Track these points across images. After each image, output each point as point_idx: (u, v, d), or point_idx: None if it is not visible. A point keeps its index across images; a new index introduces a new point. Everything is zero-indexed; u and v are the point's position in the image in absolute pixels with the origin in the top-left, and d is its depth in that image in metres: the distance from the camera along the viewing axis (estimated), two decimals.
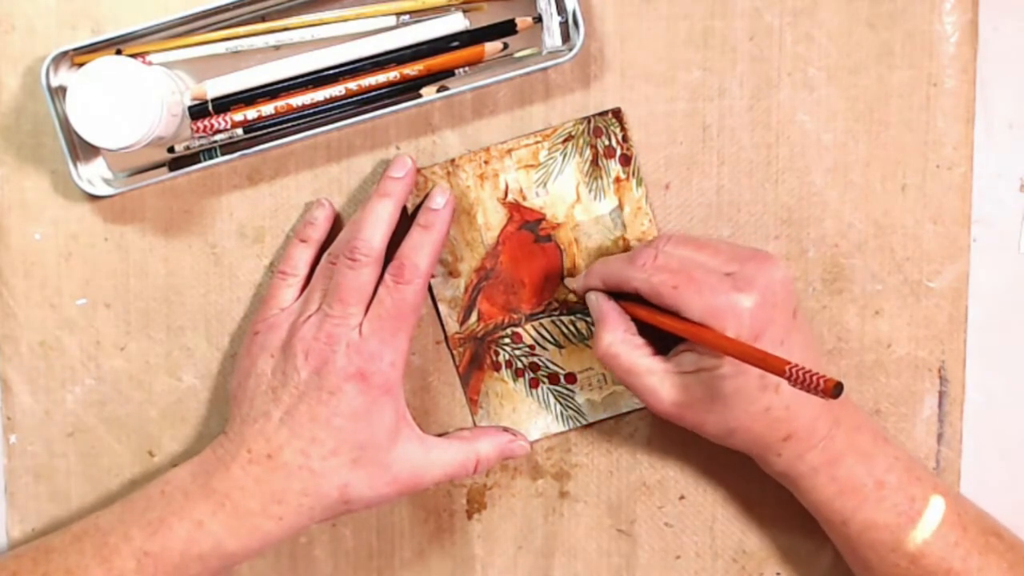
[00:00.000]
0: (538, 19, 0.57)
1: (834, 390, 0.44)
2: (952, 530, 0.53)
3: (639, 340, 0.54)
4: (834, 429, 0.53)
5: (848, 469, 0.53)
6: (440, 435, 0.58)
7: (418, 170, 0.58)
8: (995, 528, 0.55)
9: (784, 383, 0.49)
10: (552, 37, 0.57)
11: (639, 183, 0.58)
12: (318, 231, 0.57)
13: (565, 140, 0.58)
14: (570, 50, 0.56)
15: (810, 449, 0.53)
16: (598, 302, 0.55)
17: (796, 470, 0.53)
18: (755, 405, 0.51)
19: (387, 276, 0.54)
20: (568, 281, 0.59)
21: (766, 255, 0.52)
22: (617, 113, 0.58)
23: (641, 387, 0.53)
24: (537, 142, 0.58)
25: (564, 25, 0.57)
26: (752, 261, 0.52)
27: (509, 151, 0.58)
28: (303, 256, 0.57)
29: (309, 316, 0.54)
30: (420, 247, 0.55)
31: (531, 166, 0.58)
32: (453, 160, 0.58)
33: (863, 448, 0.53)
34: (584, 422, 0.59)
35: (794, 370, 0.45)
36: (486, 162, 0.58)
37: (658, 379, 0.53)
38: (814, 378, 0.45)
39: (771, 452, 0.53)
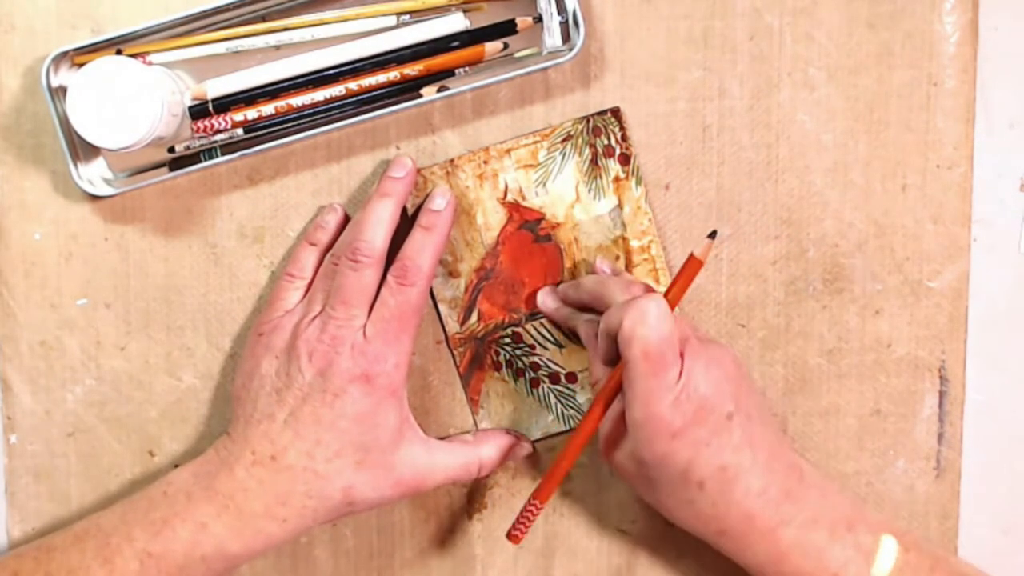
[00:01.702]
0: (538, 19, 0.57)
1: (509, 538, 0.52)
2: None
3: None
4: (780, 529, 0.51)
5: (796, 567, 0.51)
6: (443, 438, 0.58)
7: (418, 170, 0.58)
8: None
9: (708, 480, 0.50)
10: (552, 37, 0.57)
11: (638, 182, 0.58)
12: (327, 235, 0.57)
13: (564, 140, 0.58)
14: (570, 50, 0.56)
15: (748, 548, 0.52)
16: (587, 330, 0.55)
17: (742, 562, 0.52)
18: (678, 497, 0.51)
19: (390, 278, 0.54)
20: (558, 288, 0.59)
21: (714, 353, 0.51)
22: (616, 112, 0.58)
23: (607, 431, 0.53)
24: (536, 142, 0.58)
25: (564, 25, 0.57)
26: (694, 356, 0.51)
27: (508, 151, 0.58)
28: (310, 259, 0.57)
29: (313, 318, 0.54)
30: (422, 248, 0.55)
31: (530, 166, 0.58)
32: (452, 160, 0.58)
33: (816, 544, 0.51)
34: None
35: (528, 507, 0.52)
36: (485, 162, 0.58)
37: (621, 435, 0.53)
38: (520, 518, 0.52)
39: (711, 542, 0.53)
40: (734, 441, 0.50)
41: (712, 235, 0.53)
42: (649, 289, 0.54)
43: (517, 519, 0.53)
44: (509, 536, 0.53)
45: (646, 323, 0.49)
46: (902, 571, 0.52)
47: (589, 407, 0.52)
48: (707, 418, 0.50)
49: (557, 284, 0.59)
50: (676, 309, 0.52)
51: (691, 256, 0.52)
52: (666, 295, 0.51)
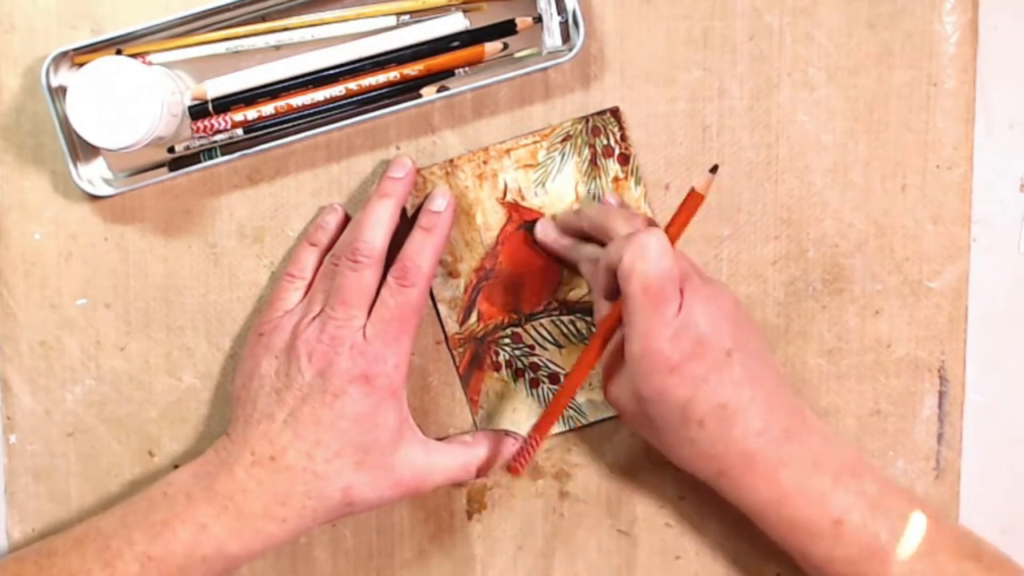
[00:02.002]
0: (538, 19, 0.57)
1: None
2: (921, 561, 0.51)
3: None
4: (781, 470, 0.51)
5: (796, 510, 0.51)
6: (442, 439, 0.58)
7: (417, 170, 0.58)
8: (974, 551, 0.52)
9: (707, 418, 0.50)
10: (552, 37, 0.57)
11: (638, 182, 0.58)
12: (328, 235, 0.57)
13: (563, 140, 0.58)
14: (570, 50, 0.56)
15: (747, 489, 0.51)
16: (589, 268, 0.55)
17: (741, 504, 0.52)
18: (679, 435, 0.51)
19: (390, 278, 0.54)
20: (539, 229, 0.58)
21: (712, 290, 0.51)
22: (615, 112, 0.58)
23: (607, 366, 0.53)
24: (535, 142, 0.58)
25: (564, 25, 0.57)
26: (692, 292, 0.51)
27: (508, 151, 0.58)
28: (311, 259, 0.57)
29: (312, 318, 0.54)
30: (422, 249, 0.55)
31: (530, 166, 0.58)
32: (452, 160, 0.58)
33: (818, 488, 0.51)
34: (585, 422, 0.59)
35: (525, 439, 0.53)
36: (485, 162, 0.58)
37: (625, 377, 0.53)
38: (520, 452, 0.52)
39: (711, 483, 0.52)
40: (733, 378, 0.50)
41: (713, 169, 0.52)
42: (652, 223, 0.54)
43: (517, 453, 0.53)
44: (509, 468, 0.53)
45: (646, 257, 0.49)
46: (908, 515, 0.52)
47: (589, 340, 0.52)
48: (705, 354, 0.50)
49: (556, 284, 0.59)
50: (677, 245, 0.52)
51: (692, 190, 0.52)
52: (666, 230, 0.51)
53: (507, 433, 0.59)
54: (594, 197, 0.58)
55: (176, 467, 0.59)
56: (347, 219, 0.58)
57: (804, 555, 0.52)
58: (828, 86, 0.58)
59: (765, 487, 0.51)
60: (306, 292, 0.56)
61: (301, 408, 0.53)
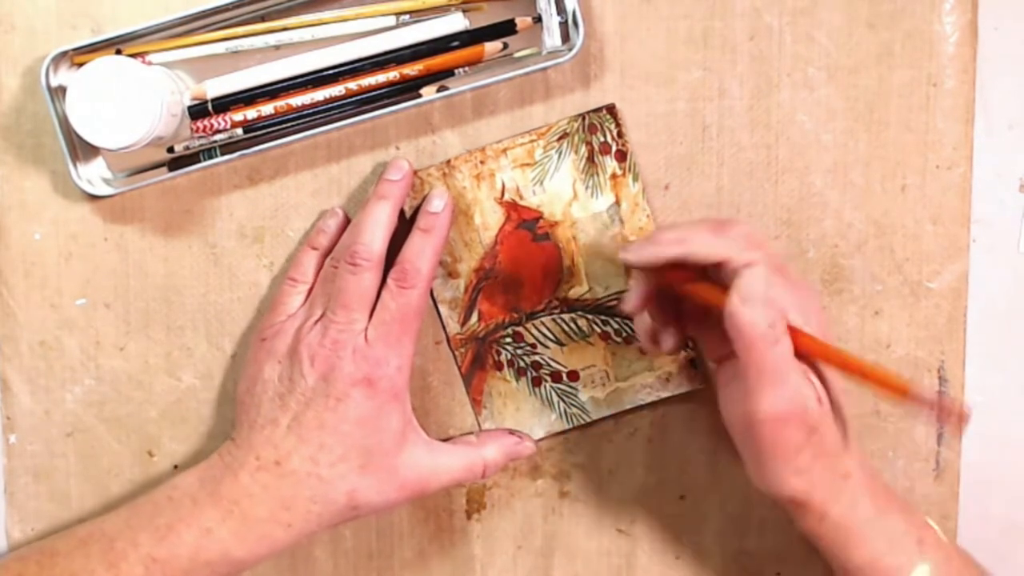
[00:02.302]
0: (538, 19, 0.57)
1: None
2: None
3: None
4: (867, 483, 0.51)
5: (892, 526, 0.51)
6: (446, 439, 0.58)
7: (415, 172, 0.58)
8: None
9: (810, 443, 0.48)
10: (552, 37, 0.57)
11: (635, 178, 0.58)
12: (329, 238, 0.57)
13: (560, 138, 0.58)
14: (570, 50, 0.56)
15: (848, 503, 0.51)
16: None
17: (834, 524, 0.51)
18: (794, 463, 0.50)
19: (390, 281, 0.54)
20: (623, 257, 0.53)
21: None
22: (611, 109, 0.58)
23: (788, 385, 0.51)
24: (532, 140, 0.58)
25: (564, 25, 0.57)
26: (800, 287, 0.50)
27: (505, 150, 0.58)
28: (312, 263, 0.57)
29: (314, 322, 0.54)
30: (421, 251, 0.55)
31: (527, 165, 0.58)
32: (449, 161, 0.58)
33: (893, 525, 0.51)
34: (588, 419, 0.59)
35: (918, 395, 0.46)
36: (482, 162, 0.58)
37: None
38: (945, 404, 0.46)
39: (801, 505, 0.51)
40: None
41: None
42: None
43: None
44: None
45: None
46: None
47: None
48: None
49: (557, 282, 0.59)
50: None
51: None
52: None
53: (512, 432, 0.59)
54: (592, 194, 0.58)
55: (176, 467, 0.59)
56: (348, 222, 0.58)
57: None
58: (828, 86, 0.58)
59: (864, 501, 0.51)
60: (308, 296, 0.56)
61: (305, 412, 0.53)
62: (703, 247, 0.50)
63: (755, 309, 0.48)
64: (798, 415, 0.48)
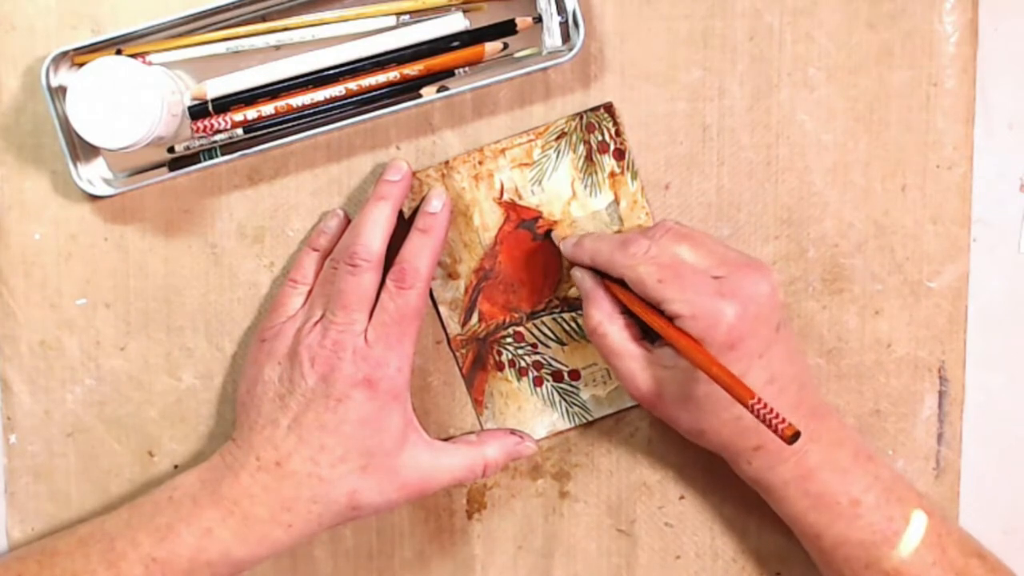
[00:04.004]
0: (538, 19, 0.57)
1: (791, 438, 0.45)
2: (931, 551, 0.52)
3: (624, 320, 0.54)
4: (809, 444, 0.52)
5: (822, 485, 0.52)
6: (446, 439, 0.58)
7: (413, 173, 0.58)
8: (978, 550, 0.54)
9: (758, 394, 0.49)
10: (552, 37, 0.57)
11: (634, 177, 0.58)
12: (329, 240, 0.57)
13: (558, 137, 0.58)
14: (570, 50, 0.56)
15: (781, 462, 0.52)
16: (583, 280, 0.55)
17: (767, 480, 0.53)
18: (726, 412, 0.51)
19: (389, 282, 0.54)
20: (555, 236, 0.58)
21: (758, 265, 0.52)
22: (609, 108, 0.58)
23: (622, 370, 0.53)
24: (530, 140, 0.58)
25: (564, 25, 0.57)
26: (743, 269, 0.51)
27: (503, 150, 0.58)
28: (312, 264, 0.57)
29: (314, 323, 0.54)
30: (420, 251, 0.55)
31: (525, 164, 0.58)
32: (447, 162, 0.58)
33: (841, 465, 0.53)
34: (590, 418, 0.59)
35: (757, 405, 0.46)
36: (480, 162, 0.58)
37: (638, 366, 0.53)
38: (775, 420, 0.45)
39: (741, 459, 0.53)
40: (782, 353, 0.51)
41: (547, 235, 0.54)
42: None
43: (772, 418, 0.48)
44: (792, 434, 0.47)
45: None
46: (919, 506, 0.53)
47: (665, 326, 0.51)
48: (760, 330, 0.50)
49: (556, 282, 0.59)
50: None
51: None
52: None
53: (512, 432, 0.59)
54: (591, 193, 0.58)
55: (176, 468, 0.59)
56: (348, 223, 0.58)
57: (819, 535, 0.53)
58: (828, 86, 0.58)
59: (794, 461, 0.52)
60: (308, 297, 0.56)
61: (305, 413, 0.53)
62: (603, 264, 0.54)
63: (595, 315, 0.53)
64: (657, 395, 0.53)
